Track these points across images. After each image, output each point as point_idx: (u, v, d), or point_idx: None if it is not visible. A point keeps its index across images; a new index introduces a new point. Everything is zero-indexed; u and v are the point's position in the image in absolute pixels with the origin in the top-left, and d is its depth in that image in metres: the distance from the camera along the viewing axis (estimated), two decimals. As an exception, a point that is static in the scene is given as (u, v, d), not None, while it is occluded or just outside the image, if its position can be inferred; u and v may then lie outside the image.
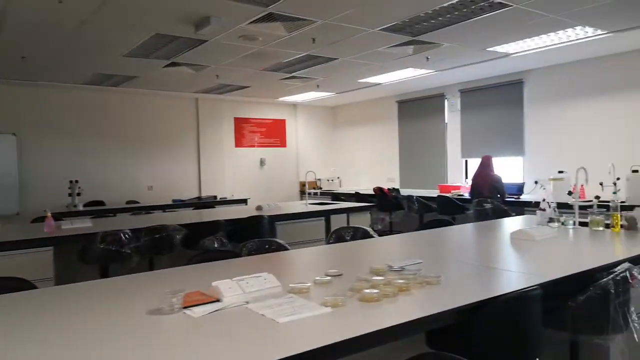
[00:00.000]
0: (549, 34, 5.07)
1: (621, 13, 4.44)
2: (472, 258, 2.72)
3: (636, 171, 5.26)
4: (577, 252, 2.82)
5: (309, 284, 1.95)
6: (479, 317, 1.73)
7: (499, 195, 6.21)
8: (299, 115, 10.36)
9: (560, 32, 5.04)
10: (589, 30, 4.98)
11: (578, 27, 4.86)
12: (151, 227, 3.99)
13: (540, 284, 1.91)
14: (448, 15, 4.44)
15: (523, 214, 5.29)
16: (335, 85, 7.99)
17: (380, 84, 7.84)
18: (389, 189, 7.82)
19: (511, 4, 4.10)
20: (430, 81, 7.80)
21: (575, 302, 2.00)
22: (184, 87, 7.93)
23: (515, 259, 2.66)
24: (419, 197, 7.07)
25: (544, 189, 5.13)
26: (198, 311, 1.64)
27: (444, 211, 6.70)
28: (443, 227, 3.80)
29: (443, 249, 3.02)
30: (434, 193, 7.38)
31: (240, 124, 9.56)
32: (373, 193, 7.82)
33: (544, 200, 3.76)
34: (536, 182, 6.34)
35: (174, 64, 6.12)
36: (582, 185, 5.62)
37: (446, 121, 8.36)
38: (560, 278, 2.07)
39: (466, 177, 7.97)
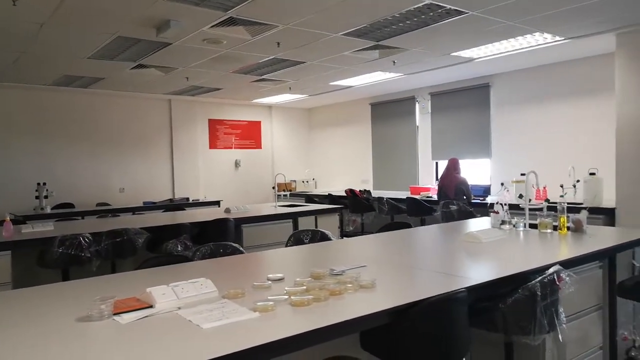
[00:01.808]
0: (509, 39, 5.20)
1: (576, 21, 4.58)
2: (417, 261, 2.80)
3: (593, 174, 5.42)
4: (518, 254, 2.91)
5: (244, 289, 1.99)
6: (407, 320, 1.80)
7: (464, 197, 6.33)
8: (275, 116, 10.39)
9: (520, 38, 5.17)
10: (548, 37, 5.12)
11: (536, 34, 5.00)
12: (112, 231, 3.98)
13: (467, 287, 1.98)
14: (408, 22, 4.53)
15: (488, 215, 5.40)
16: (308, 87, 8.04)
17: (351, 86, 7.91)
18: (360, 190, 7.90)
19: (467, 11, 4.20)
20: (401, 84, 7.91)
21: (505, 304, 2.08)
22: (155, 89, 7.90)
23: (458, 262, 2.74)
24: (390, 198, 7.16)
25: (508, 190, 5.27)
26: (127, 318, 1.67)
27: (413, 213, 6.80)
28: (402, 230, 3.88)
29: (392, 252, 3.08)
30: (406, 194, 7.49)
31: (214, 125, 9.55)
32: (345, 195, 7.89)
33: (497, 203, 3.86)
34: (502, 184, 6.48)
35: (141, 66, 6.10)
36: (544, 187, 5.81)
37: (417, 124, 8.48)
38: (491, 281, 2.15)
39: (436, 179, 8.09)
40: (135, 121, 8.55)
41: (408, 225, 4.00)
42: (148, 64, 6.02)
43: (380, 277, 2.22)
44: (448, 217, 6.03)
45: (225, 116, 9.70)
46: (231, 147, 9.77)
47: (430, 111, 8.21)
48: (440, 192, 6.57)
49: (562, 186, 5.59)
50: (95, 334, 1.58)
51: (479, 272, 2.52)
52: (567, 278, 2.17)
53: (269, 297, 1.86)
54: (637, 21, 4.68)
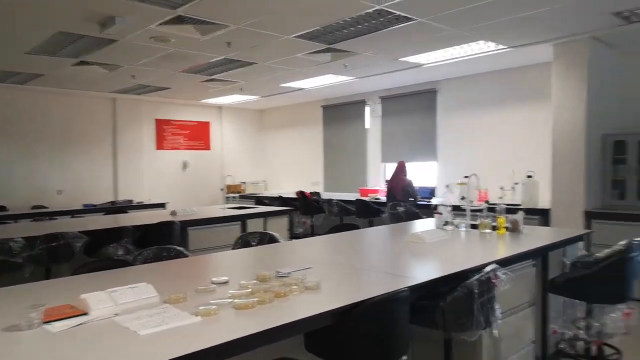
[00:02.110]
0: (455, 47, 5.39)
1: (517, 31, 4.82)
2: (363, 262, 2.85)
3: (530, 176, 5.71)
4: (459, 254, 3.02)
5: (187, 294, 1.95)
6: (350, 320, 1.82)
7: (411, 199, 6.49)
8: (225, 117, 10.24)
9: (465, 46, 5.37)
10: (491, 45, 5.35)
11: (481, 42, 5.21)
12: (48, 235, 3.79)
13: (409, 286, 2.03)
14: (359, 26, 4.59)
15: (433, 217, 5.57)
16: (259, 88, 7.99)
17: (303, 88, 7.94)
18: (311, 192, 7.93)
19: (416, 18, 4.32)
20: (352, 87, 8.01)
21: (445, 302, 2.15)
22: (99, 87, 7.59)
23: (403, 262, 2.81)
24: (339, 200, 7.24)
25: (453, 192, 5.45)
26: (58, 326, 1.59)
27: (362, 214, 6.90)
28: (350, 231, 3.92)
29: (339, 254, 3.12)
30: (356, 196, 7.58)
31: (161, 125, 9.29)
32: (296, 197, 7.89)
33: (441, 204, 3.99)
34: (447, 186, 6.71)
35: (84, 63, 5.85)
36: (485, 190, 6.05)
37: (368, 126, 8.62)
38: (432, 280, 2.22)
39: (385, 181, 8.25)
40: (76, 120, 8.17)
41: (356, 227, 4.05)
42: (91, 61, 5.78)
43: (326, 278, 2.24)
44: (396, 219, 6.15)
45: (173, 116, 9.47)
46: (179, 148, 9.54)
47: (380, 115, 8.37)
48: (388, 194, 6.71)
49: (502, 188, 5.88)
50: (23, 344, 1.50)
51: (421, 271, 2.60)
52: (503, 276, 2.28)
53: (212, 301, 1.83)
54: (572, 33, 4.97)
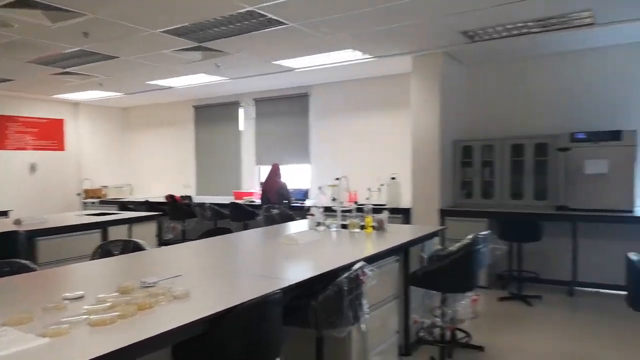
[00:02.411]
0: (325, 53, 5.58)
1: (380, 42, 5.15)
2: (236, 266, 2.79)
3: (394, 178, 6.15)
4: (330, 253, 3.12)
5: (32, 313, 1.71)
6: (222, 326, 1.76)
7: (285, 201, 6.58)
8: (82, 115, 9.32)
9: (334, 53, 5.59)
10: (358, 54, 5.65)
11: (349, 50, 5.47)
12: None
13: (282, 288, 2.03)
14: (231, 26, 4.51)
15: (307, 218, 5.69)
16: (122, 85, 7.42)
17: (172, 87, 7.57)
18: (181, 196, 7.59)
19: (288, 22, 4.37)
20: (226, 88, 7.85)
21: (316, 301, 2.20)
22: None
23: (276, 264, 2.81)
24: (212, 204, 7.04)
25: (325, 194, 5.64)
26: None
27: (236, 218, 6.80)
28: (223, 236, 3.82)
29: (211, 259, 3.01)
30: (230, 199, 7.44)
31: (4, 122, 8.14)
32: (165, 201, 7.49)
33: (313, 206, 4.09)
34: (320, 188, 6.93)
35: None
36: (355, 191, 6.35)
37: (242, 128, 8.53)
38: (304, 280, 2.26)
39: (260, 184, 8.24)
40: None
41: (229, 231, 3.96)
42: None
43: (196, 285, 2.14)
44: (270, 221, 6.16)
45: (19, 112, 8.35)
46: (26, 148, 8.43)
47: (254, 117, 8.34)
48: (263, 196, 6.71)
49: (369, 189, 6.24)
50: None
51: (295, 272, 2.63)
52: (370, 272, 2.40)
53: (63, 320, 1.63)
54: (428, 47, 5.47)
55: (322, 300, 2.20)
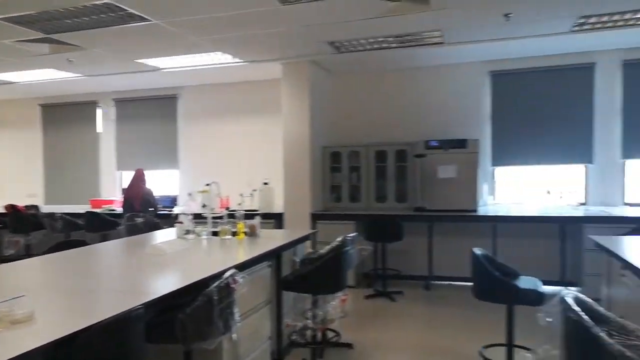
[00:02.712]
0: (194, 54, 5.37)
1: (248, 46, 5.11)
2: (91, 283, 2.51)
3: (267, 183, 6.15)
4: (200, 262, 2.99)
5: None
6: (72, 351, 1.56)
7: (151, 209, 6.18)
8: None
9: (204, 55, 5.42)
10: (228, 57, 5.54)
11: (219, 53, 5.34)
12: None
13: (145, 303, 1.88)
14: (86, 18, 4.11)
15: (175, 226, 5.40)
16: (-53, 77, 6.33)
17: (14, 82, 6.65)
18: (25, 206, 6.70)
19: (150, 19, 4.12)
20: (81, 86, 7.12)
21: (184, 313, 2.07)
22: None
23: (140, 277, 2.60)
24: (65, 214, 6.32)
25: (195, 200, 5.41)
26: None
27: (94, 228, 6.20)
28: (76, 249, 3.42)
29: (61, 276, 2.68)
30: (87, 208, 6.76)
31: None
32: (4, 212, 6.53)
33: (182, 213, 3.89)
34: (189, 195, 6.64)
35: None
36: (227, 197, 6.21)
37: (100, 131, 7.82)
38: (170, 292, 2.12)
39: (122, 191, 7.64)
40: None
41: (84, 243, 3.57)
42: None
43: (43, 307, 1.88)
44: (134, 231, 5.72)
45: None
46: None
47: (114, 118, 7.70)
48: (125, 204, 6.21)
49: (241, 195, 6.14)
50: None
51: (161, 285, 2.45)
52: (241, 280, 2.34)
53: None
54: (297, 55, 5.58)
55: (191, 312, 2.08)
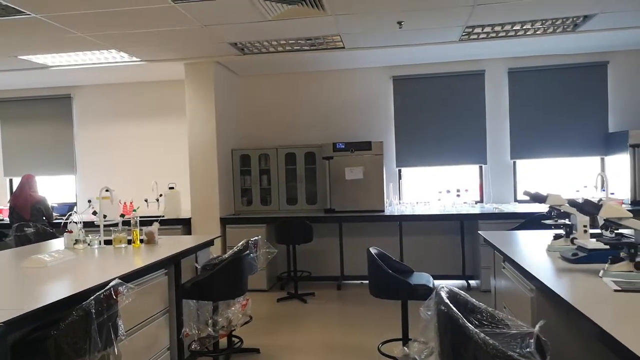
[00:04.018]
0: (85, 52, 5.03)
1: (147, 45, 4.88)
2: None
3: (172, 188, 5.92)
4: (85, 274, 2.77)
5: None
6: None
7: (44, 218, 5.71)
8: None
9: (97, 52, 5.09)
10: (125, 56, 5.25)
11: (113, 51, 5.04)
12: None
13: (6, 321, 1.70)
14: (-49, 8, 3.69)
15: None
16: None
17: None
18: None
19: (29, 12, 3.78)
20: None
21: (58, 329, 1.91)
22: None
23: (8, 294, 2.36)
24: (-60, 226, 5.64)
25: (94, 207, 5.06)
26: None
27: (-24, 241, 5.59)
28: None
29: None
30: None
31: None
32: None
33: (71, 221, 3.62)
34: (89, 201, 6.20)
35: None
36: (131, 202, 5.90)
37: (-18, 134, 7.09)
38: (40, 308, 1.94)
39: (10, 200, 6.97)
40: None
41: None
42: None
43: None
44: (24, 242, 5.25)
45: None
46: None
47: (-1, 120, 7.03)
48: (12, 213, 5.68)
49: (146, 200, 5.86)
50: None
51: (30, 300, 2.23)
52: (126, 290, 2.20)
53: None
54: (199, 55, 5.42)
55: (65, 328, 1.93)
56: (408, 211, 5.77)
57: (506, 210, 5.41)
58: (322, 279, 6.09)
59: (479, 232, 3.80)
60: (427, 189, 6.26)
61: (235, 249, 3.35)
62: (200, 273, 3.50)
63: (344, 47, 5.17)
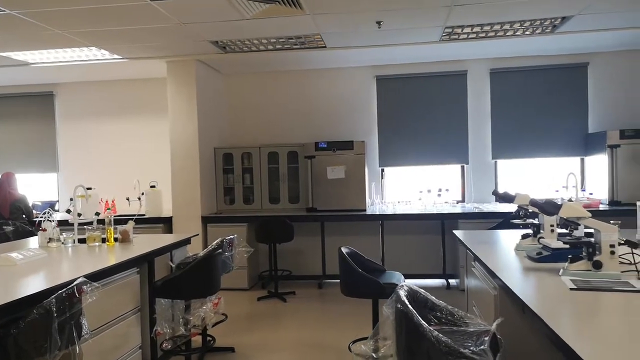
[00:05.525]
0: (65, 49, 4.99)
1: (129, 43, 4.85)
2: None
3: (154, 186, 5.89)
4: (53, 272, 2.75)
5: None
6: None
7: (24, 216, 5.66)
8: None
9: (77, 50, 5.05)
10: (105, 53, 5.22)
11: (93, 48, 5.00)
12: None
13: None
14: None
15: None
16: None
17: None
18: None
19: (3, 9, 3.74)
20: None
21: (17, 328, 1.91)
22: None
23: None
24: None
25: (73, 206, 5.03)
26: None
27: (-48, 240, 5.52)
28: None
29: None
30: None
31: None
32: None
33: (45, 220, 3.59)
34: (71, 200, 6.16)
35: None
36: (113, 200, 5.87)
37: (-36, 131, 7.01)
38: (4, 304, 1.94)
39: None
40: None
41: None
42: None
43: None
44: (2, 240, 5.21)
45: None
46: None
47: (-22, 117, 6.96)
48: (-9, 212, 5.62)
49: (128, 199, 5.84)
50: None
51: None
52: (90, 289, 2.20)
53: None
54: (182, 52, 5.39)
55: (25, 327, 1.92)
56: (389, 210, 5.79)
57: (486, 210, 5.45)
58: (304, 278, 6.10)
59: (453, 231, 3.82)
60: (409, 189, 6.28)
61: (209, 247, 3.35)
62: (174, 271, 3.49)
63: (325, 47, 5.17)
